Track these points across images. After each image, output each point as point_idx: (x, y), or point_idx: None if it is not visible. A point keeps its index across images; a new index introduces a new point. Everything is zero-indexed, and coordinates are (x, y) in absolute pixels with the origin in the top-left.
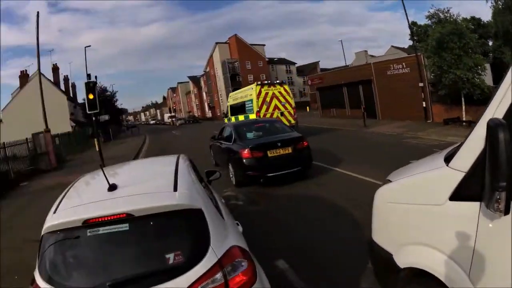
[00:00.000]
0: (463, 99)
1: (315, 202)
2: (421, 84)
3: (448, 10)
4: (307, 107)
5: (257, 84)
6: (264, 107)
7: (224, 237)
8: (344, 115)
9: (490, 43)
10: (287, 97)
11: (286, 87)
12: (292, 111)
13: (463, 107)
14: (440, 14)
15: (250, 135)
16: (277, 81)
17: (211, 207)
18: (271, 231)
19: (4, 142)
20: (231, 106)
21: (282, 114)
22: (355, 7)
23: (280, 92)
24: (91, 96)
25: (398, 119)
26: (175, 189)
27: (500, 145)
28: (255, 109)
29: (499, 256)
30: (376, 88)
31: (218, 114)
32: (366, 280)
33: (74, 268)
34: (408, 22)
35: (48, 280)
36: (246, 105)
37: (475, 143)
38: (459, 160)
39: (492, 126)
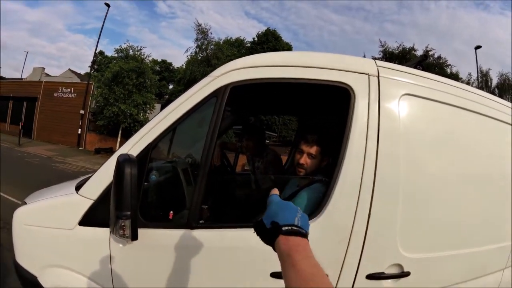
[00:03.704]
0: (120, 131)
1: None
2: (82, 112)
3: (140, 49)
4: None
5: None
6: None
7: None
8: (4, 130)
9: (171, 86)
10: None
11: None
12: None
13: (119, 139)
14: (131, 51)
15: None
16: None
17: None
18: None
19: None
20: None
21: None
22: (57, 22)
23: None
24: None
25: (52, 142)
26: None
27: (126, 178)
28: None
29: (136, 273)
30: (39, 107)
31: None
32: None
33: None
34: (96, 50)
35: None
36: None
37: (105, 174)
38: (88, 189)
39: (120, 160)
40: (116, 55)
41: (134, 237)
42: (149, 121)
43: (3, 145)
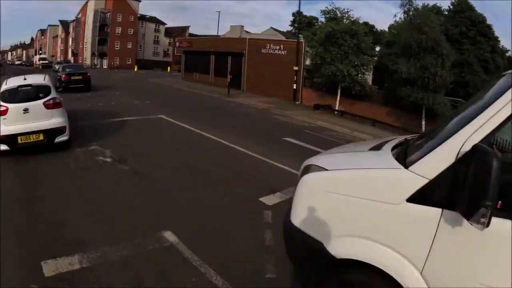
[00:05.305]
0: (339, 90)
1: (198, 172)
2: (296, 68)
3: (348, 12)
4: (168, 67)
5: None
6: None
7: (55, 93)
8: (207, 81)
9: (377, 48)
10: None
11: None
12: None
13: (338, 98)
14: (338, 13)
15: (67, 70)
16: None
17: (54, 87)
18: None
19: None
20: None
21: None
22: None
23: None
24: None
25: (263, 94)
26: (44, 79)
27: (494, 172)
28: None
29: (456, 259)
30: (246, 61)
31: (80, 61)
32: (267, 260)
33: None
34: (299, 9)
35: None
36: None
37: (444, 155)
38: (423, 166)
39: (486, 152)
40: (322, 15)
41: (488, 225)
42: (473, 103)
43: (212, 95)
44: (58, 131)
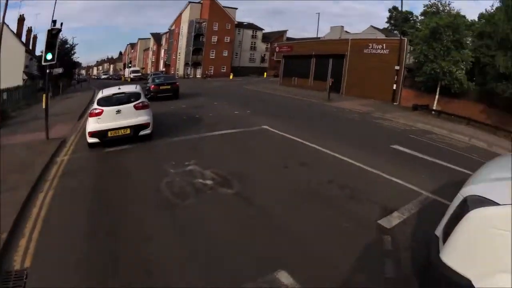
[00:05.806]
0: (438, 89)
1: (301, 186)
2: (397, 67)
3: (449, 4)
4: (265, 73)
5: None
6: None
7: (144, 98)
8: (306, 85)
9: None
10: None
11: None
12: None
13: (436, 97)
14: (440, 6)
15: (156, 80)
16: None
17: (143, 94)
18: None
19: None
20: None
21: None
22: None
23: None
24: (49, 46)
25: (363, 97)
26: (136, 88)
27: None
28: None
29: None
30: (348, 63)
31: (172, 72)
32: None
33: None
34: (402, 5)
35: (98, 104)
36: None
37: None
38: None
39: None
40: (426, 10)
41: None
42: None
43: (312, 101)
44: (143, 126)
